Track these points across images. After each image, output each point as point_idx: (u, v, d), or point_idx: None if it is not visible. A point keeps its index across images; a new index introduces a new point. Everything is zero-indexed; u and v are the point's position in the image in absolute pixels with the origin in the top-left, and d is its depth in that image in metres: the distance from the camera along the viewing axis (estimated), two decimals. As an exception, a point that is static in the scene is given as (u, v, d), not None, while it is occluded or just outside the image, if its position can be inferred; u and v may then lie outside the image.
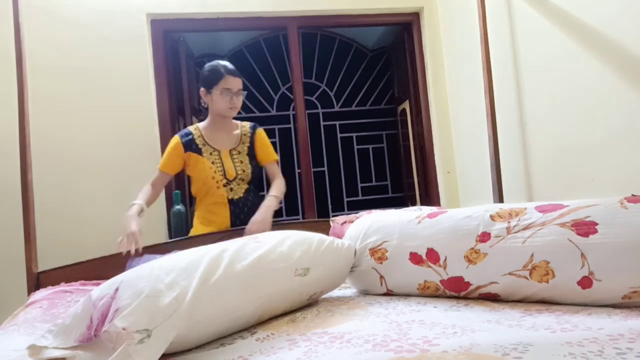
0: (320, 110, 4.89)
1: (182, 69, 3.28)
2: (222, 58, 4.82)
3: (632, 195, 0.99)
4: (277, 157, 2.23)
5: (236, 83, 2.04)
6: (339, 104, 4.89)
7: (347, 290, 1.37)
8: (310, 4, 3.08)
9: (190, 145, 2.10)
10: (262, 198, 2.13)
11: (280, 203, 2.07)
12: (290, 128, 4.85)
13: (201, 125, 2.18)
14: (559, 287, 0.96)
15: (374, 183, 4.97)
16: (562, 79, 2.01)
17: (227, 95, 2.02)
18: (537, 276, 0.97)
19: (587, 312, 0.89)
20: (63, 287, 1.71)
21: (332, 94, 4.92)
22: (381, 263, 1.20)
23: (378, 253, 1.20)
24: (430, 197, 3.29)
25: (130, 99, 2.82)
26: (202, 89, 2.07)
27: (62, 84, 2.72)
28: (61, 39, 2.73)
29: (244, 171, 2.12)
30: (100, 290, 0.86)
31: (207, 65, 2.08)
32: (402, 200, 4.64)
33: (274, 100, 4.93)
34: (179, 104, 3.24)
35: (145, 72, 2.85)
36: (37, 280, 1.82)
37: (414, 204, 3.81)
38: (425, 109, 3.28)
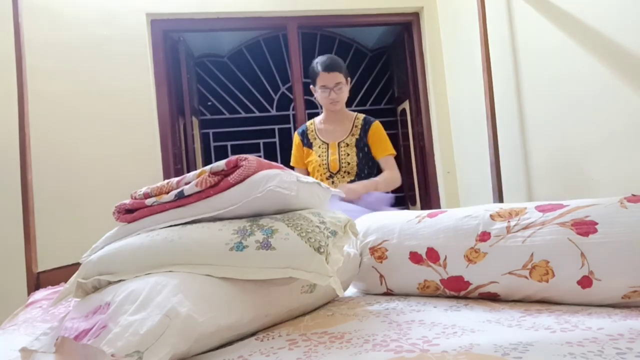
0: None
1: (182, 69, 3.29)
2: (222, 58, 4.83)
3: (632, 195, 0.99)
4: (393, 151, 2.20)
5: (331, 79, 2.08)
6: (339, 104, 4.89)
7: (347, 290, 1.36)
8: (310, 4, 3.08)
9: (304, 140, 2.23)
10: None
11: (386, 192, 2.05)
12: (290, 128, 4.85)
13: (318, 118, 2.28)
14: (558, 287, 0.96)
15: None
16: (562, 79, 2.01)
17: (325, 92, 2.10)
18: (537, 275, 0.97)
19: (587, 312, 0.89)
20: (63, 287, 1.71)
21: (332, 94, 4.92)
22: (381, 262, 1.20)
23: (378, 252, 1.20)
24: (430, 197, 3.29)
25: (130, 99, 2.82)
26: (311, 85, 2.18)
27: (62, 84, 2.72)
28: (61, 39, 2.73)
29: (348, 164, 2.13)
30: (94, 300, 0.86)
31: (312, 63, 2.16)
32: (402, 200, 4.63)
33: (274, 100, 4.93)
34: (179, 104, 3.24)
35: (145, 72, 2.85)
36: (37, 280, 1.82)
37: (414, 204, 3.81)
38: (425, 109, 3.28)
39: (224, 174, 0.99)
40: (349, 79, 2.17)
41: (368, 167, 2.18)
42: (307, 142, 2.23)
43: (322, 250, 0.91)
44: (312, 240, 0.92)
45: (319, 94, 2.14)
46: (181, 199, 1.00)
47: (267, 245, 0.89)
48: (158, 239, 0.92)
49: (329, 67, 2.07)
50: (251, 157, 1.01)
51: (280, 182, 0.99)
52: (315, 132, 2.23)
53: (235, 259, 0.88)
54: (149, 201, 1.03)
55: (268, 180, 0.98)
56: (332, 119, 2.23)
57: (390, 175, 2.13)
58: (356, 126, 2.20)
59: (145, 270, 0.88)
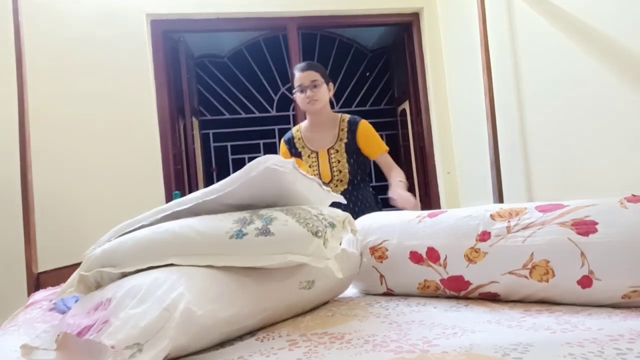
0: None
1: (182, 69, 3.29)
2: (222, 58, 4.84)
3: (632, 195, 0.99)
4: (386, 147, 2.10)
5: (306, 77, 2.02)
6: (339, 104, 4.89)
7: (347, 290, 1.36)
8: (310, 4, 3.08)
9: (292, 150, 2.15)
10: (369, 193, 2.09)
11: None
12: (290, 128, 4.84)
13: (303, 124, 2.20)
14: (559, 287, 0.96)
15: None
16: (562, 79, 2.01)
17: (302, 92, 2.04)
18: (537, 275, 0.97)
19: (587, 313, 0.89)
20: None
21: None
22: (381, 262, 1.20)
23: (378, 252, 1.20)
24: (430, 197, 3.29)
25: (130, 99, 2.82)
26: (293, 94, 2.13)
27: (62, 84, 2.72)
28: (61, 39, 2.73)
29: (340, 172, 2.05)
30: (95, 297, 0.86)
31: None
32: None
33: (273, 100, 4.94)
34: (179, 104, 3.24)
35: (145, 72, 2.85)
36: (37, 281, 1.82)
37: (414, 204, 3.80)
38: (425, 109, 3.28)
39: None
40: (330, 83, 2.10)
41: (360, 173, 2.09)
42: (295, 152, 2.13)
43: (319, 234, 0.93)
44: (310, 226, 0.94)
45: (297, 97, 2.07)
46: None
47: (266, 232, 0.90)
48: (160, 231, 0.94)
49: (303, 67, 2.05)
50: None
51: (278, 161, 1.03)
52: (303, 140, 2.13)
53: (235, 247, 0.90)
54: None
55: (266, 160, 1.01)
56: (317, 124, 2.12)
57: (402, 172, 2.04)
58: (342, 129, 2.09)
59: (147, 261, 0.89)
